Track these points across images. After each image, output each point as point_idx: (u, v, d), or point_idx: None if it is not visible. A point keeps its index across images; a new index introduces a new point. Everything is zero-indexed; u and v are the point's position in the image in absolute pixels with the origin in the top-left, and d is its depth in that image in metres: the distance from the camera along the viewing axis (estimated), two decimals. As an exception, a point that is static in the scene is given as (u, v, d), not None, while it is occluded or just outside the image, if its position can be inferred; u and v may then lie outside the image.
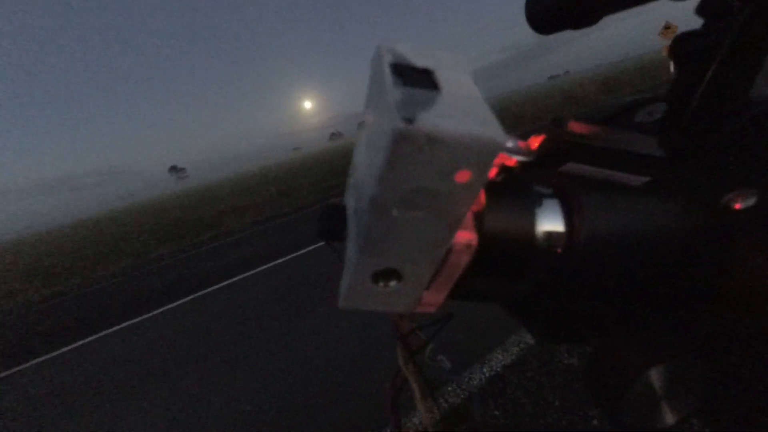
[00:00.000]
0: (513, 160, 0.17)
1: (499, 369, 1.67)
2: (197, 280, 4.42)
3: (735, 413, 0.24)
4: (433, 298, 0.18)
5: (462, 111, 0.12)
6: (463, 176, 0.12)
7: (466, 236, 0.16)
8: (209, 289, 3.94)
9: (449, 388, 1.61)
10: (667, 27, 8.50)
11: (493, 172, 0.18)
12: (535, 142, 0.23)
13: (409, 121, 0.11)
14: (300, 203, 8.81)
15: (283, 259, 4.23)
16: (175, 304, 3.81)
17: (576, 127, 0.22)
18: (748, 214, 0.19)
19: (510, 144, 0.17)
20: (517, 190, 0.19)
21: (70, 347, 3.42)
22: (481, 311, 2.08)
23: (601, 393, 0.21)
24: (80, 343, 3.47)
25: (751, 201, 0.20)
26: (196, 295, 3.90)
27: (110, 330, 3.58)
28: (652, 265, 0.20)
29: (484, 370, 1.68)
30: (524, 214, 0.18)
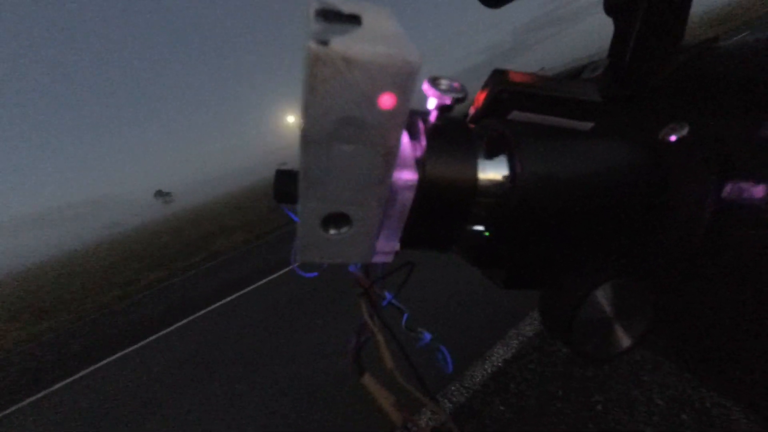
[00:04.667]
0: (449, 99, 0.18)
1: (500, 364, 1.67)
2: (190, 304, 4.33)
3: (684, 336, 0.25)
4: (387, 245, 0.19)
5: (380, 38, 0.12)
6: (386, 101, 0.13)
7: (405, 175, 0.17)
8: (203, 312, 3.86)
9: (452, 388, 1.59)
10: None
11: (433, 116, 0.19)
12: (480, 96, 0.24)
13: (324, 43, 0.11)
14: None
15: (277, 274, 4.19)
16: (169, 329, 3.73)
17: (518, 77, 0.22)
18: (682, 144, 0.22)
19: (443, 84, 0.18)
20: (458, 134, 0.20)
21: (63, 383, 3.32)
22: (479, 308, 2.08)
23: (556, 324, 0.22)
24: (79, 375, 3.36)
25: (684, 132, 0.22)
26: (189, 318, 3.82)
27: (105, 362, 3.48)
28: (598, 202, 0.21)
29: (486, 366, 1.67)
30: (465, 158, 0.19)
